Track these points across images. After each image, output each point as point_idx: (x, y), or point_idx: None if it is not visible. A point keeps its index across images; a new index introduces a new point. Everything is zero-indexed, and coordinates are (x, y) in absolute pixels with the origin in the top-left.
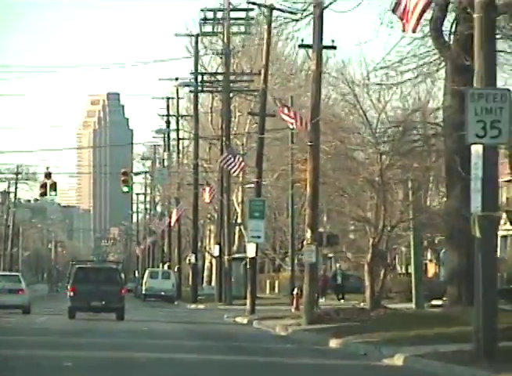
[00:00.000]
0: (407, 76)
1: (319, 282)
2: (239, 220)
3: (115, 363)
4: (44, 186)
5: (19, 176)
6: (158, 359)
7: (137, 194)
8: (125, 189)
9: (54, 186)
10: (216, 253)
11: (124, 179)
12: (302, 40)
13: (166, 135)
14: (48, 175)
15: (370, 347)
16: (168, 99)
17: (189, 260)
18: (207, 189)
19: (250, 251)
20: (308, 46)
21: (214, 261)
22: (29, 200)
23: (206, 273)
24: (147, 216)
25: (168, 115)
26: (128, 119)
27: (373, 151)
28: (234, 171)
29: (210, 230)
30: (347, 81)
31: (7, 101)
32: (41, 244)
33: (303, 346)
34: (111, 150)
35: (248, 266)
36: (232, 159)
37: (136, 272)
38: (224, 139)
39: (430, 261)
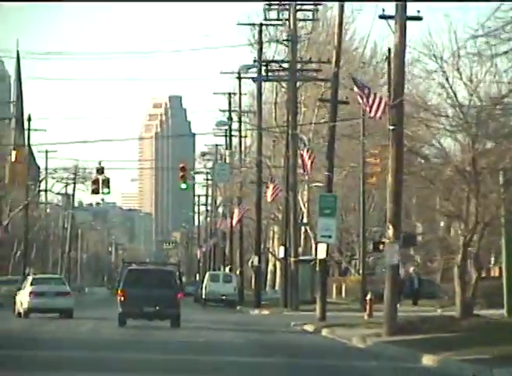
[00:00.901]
0: (503, 48)
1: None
2: (305, 220)
3: None
4: (96, 182)
5: (77, 177)
6: None
7: (198, 196)
8: (183, 185)
9: (107, 183)
10: (281, 255)
11: (182, 175)
12: (383, 9)
13: (228, 132)
14: (100, 171)
15: (478, 367)
16: (230, 94)
17: (252, 262)
18: (271, 186)
19: (320, 251)
20: (390, 17)
21: (278, 263)
22: (91, 204)
23: (269, 277)
24: (208, 218)
25: (230, 110)
26: (190, 122)
27: (464, 136)
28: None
29: (273, 231)
30: (434, 56)
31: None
32: (102, 246)
33: (392, 364)
34: (173, 153)
35: (318, 269)
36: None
37: (197, 276)
38: (290, 131)
39: None
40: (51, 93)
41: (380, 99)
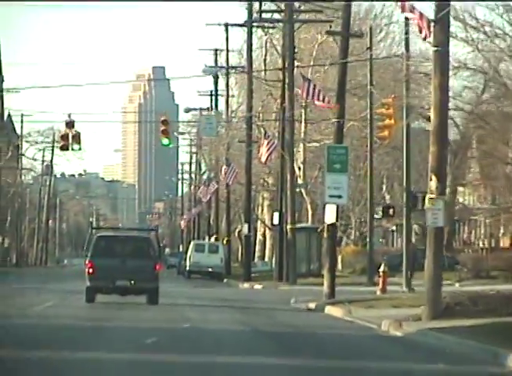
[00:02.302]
0: None
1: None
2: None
3: None
4: (65, 137)
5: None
6: None
7: (182, 164)
8: (165, 141)
9: (77, 138)
10: (275, 222)
11: (164, 129)
12: None
13: (214, 92)
14: (70, 124)
15: None
16: (216, 51)
17: (239, 232)
18: (265, 142)
19: (329, 215)
20: None
21: (268, 233)
22: (73, 175)
23: (258, 247)
24: (192, 186)
25: (216, 66)
26: (173, 93)
27: None
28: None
29: (263, 198)
30: None
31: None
32: (83, 217)
33: (472, 369)
34: (156, 124)
35: (326, 235)
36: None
37: (180, 247)
38: (287, 79)
39: None
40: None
41: (421, 14)
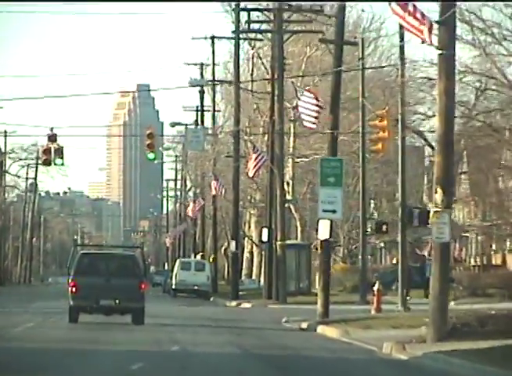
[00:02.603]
0: None
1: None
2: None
3: None
4: (47, 151)
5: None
6: None
7: (167, 181)
8: (151, 155)
9: (60, 152)
10: (264, 238)
11: (150, 143)
12: None
13: (199, 107)
14: (52, 138)
15: None
16: (202, 65)
17: (225, 250)
18: (253, 156)
19: (323, 230)
20: None
21: (255, 250)
22: (58, 193)
23: (245, 265)
24: (178, 204)
25: (202, 79)
26: (158, 111)
27: None
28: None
29: (250, 214)
30: None
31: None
32: (68, 235)
33: None
34: (141, 142)
35: (319, 252)
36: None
37: (166, 265)
38: (276, 90)
39: None
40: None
41: (423, 15)
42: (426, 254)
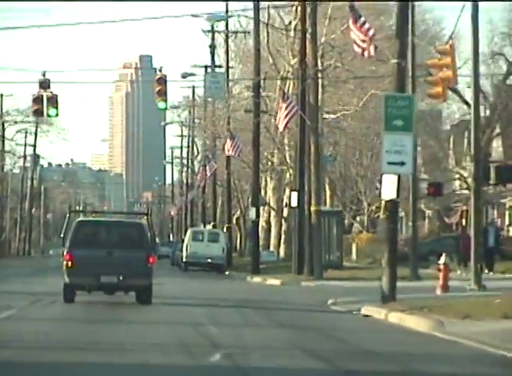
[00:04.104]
0: None
1: (460, 246)
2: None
3: None
4: (38, 100)
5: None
6: None
7: (171, 148)
8: (161, 104)
9: (54, 101)
10: (294, 203)
11: (159, 90)
12: None
13: (211, 64)
14: (44, 85)
15: None
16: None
17: (238, 219)
18: (283, 106)
19: (388, 188)
20: None
21: (273, 219)
22: (60, 165)
23: (261, 235)
24: (183, 171)
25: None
26: None
27: None
28: None
29: (266, 180)
30: None
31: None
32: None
33: None
34: (144, 113)
35: (383, 214)
36: None
37: (170, 237)
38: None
39: None
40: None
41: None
42: (492, 220)
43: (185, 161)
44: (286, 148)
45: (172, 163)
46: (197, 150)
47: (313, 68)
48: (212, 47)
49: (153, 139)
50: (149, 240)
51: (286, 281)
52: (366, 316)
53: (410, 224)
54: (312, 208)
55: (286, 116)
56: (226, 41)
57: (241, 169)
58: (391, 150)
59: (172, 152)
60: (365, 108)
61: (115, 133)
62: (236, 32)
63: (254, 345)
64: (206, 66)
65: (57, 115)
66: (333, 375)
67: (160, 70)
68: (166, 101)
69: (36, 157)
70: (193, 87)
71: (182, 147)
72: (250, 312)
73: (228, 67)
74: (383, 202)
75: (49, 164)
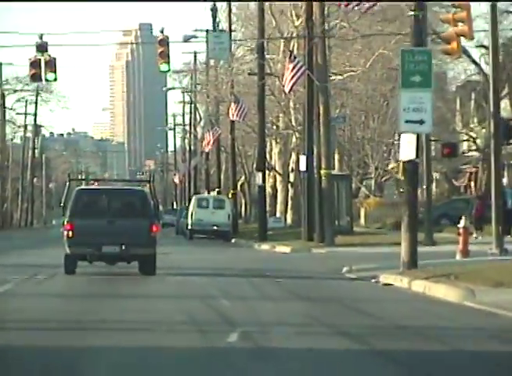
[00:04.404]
0: None
1: (474, 208)
2: None
3: None
4: (36, 63)
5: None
6: None
7: (173, 115)
8: (163, 66)
9: (52, 65)
10: (303, 167)
11: (162, 52)
12: None
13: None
14: (41, 48)
15: None
16: None
17: (243, 185)
18: (290, 66)
19: (407, 148)
20: None
21: (279, 184)
22: (62, 134)
23: (268, 201)
24: (186, 138)
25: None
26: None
27: None
28: None
29: (272, 144)
30: None
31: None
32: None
33: None
34: (145, 81)
35: (401, 176)
36: None
37: (174, 205)
38: None
39: None
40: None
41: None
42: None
43: (187, 128)
44: (292, 111)
45: (174, 130)
46: (200, 116)
47: (320, 26)
48: (214, 10)
49: (154, 107)
50: (152, 208)
51: (295, 248)
52: (387, 284)
53: (424, 187)
54: (323, 172)
55: (292, 77)
56: (229, 3)
57: (245, 134)
58: (409, 107)
59: (174, 119)
60: (372, 69)
61: (116, 102)
62: None
63: (273, 321)
64: (207, 31)
65: (55, 80)
66: (369, 356)
67: (162, 32)
68: (169, 63)
69: (37, 127)
70: (195, 52)
71: (184, 114)
72: (261, 282)
73: (230, 30)
74: (400, 163)
75: (51, 133)
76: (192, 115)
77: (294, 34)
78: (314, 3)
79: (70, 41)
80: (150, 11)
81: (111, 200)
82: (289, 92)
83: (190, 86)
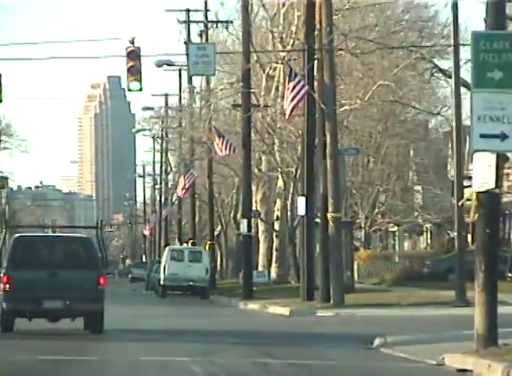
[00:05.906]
0: None
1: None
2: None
3: None
4: None
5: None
6: None
7: (142, 165)
8: (134, 85)
9: None
10: (301, 211)
11: (132, 67)
12: None
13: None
14: None
15: None
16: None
17: (219, 235)
18: (291, 85)
19: (481, 172)
20: None
21: (261, 234)
22: (30, 187)
23: None
24: (156, 188)
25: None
26: (129, 102)
27: None
28: None
29: (256, 188)
30: None
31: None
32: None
33: None
34: (113, 134)
35: (474, 212)
36: None
37: (144, 258)
38: None
39: None
40: None
41: None
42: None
43: (157, 178)
44: (277, 151)
45: (144, 178)
46: (170, 166)
47: (328, 36)
48: (188, 43)
49: (123, 157)
50: (98, 257)
51: (296, 310)
52: (462, 370)
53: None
54: (330, 216)
55: (293, 99)
56: (206, 32)
57: (222, 180)
58: (484, 115)
59: (144, 168)
60: (372, 102)
61: (85, 153)
62: (216, 21)
63: None
64: (188, 42)
65: (1, 101)
66: None
67: (132, 43)
68: (140, 81)
69: (4, 179)
70: (166, 94)
71: (154, 162)
72: (273, 364)
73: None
74: (473, 194)
75: (19, 186)
76: (163, 161)
77: (280, 62)
78: (321, 10)
79: (35, 94)
80: (119, 64)
81: (53, 248)
82: (288, 117)
83: (161, 132)
